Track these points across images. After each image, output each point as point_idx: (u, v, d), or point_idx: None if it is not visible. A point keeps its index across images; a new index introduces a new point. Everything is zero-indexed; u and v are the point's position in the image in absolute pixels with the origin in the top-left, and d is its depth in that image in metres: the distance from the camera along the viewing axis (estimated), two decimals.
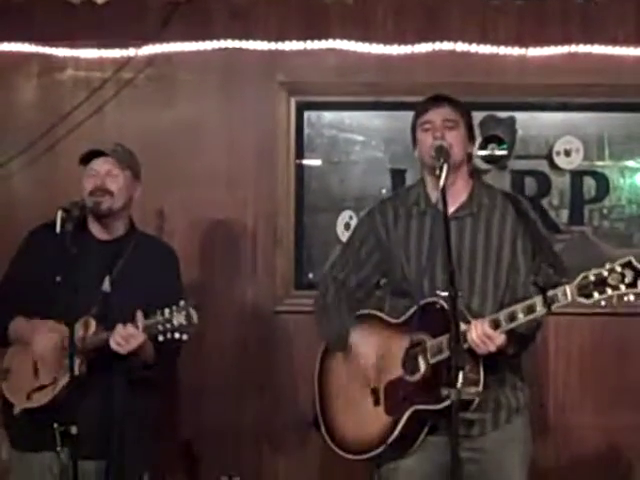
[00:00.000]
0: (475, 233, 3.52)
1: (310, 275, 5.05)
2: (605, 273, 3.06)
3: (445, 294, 3.25)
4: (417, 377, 3.42)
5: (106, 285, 3.67)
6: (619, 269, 3.04)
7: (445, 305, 3.33)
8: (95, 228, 3.83)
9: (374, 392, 3.53)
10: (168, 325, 3.44)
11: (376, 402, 3.51)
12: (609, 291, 3.05)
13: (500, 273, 3.50)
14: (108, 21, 5.05)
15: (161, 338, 3.47)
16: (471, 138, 3.63)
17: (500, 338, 3.26)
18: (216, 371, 5.01)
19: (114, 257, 3.75)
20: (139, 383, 3.73)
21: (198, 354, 4.86)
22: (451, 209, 3.47)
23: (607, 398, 4.97)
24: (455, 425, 3.10)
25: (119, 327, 3.51)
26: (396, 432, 3.43)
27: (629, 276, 3.03)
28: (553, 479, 4.90)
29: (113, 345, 3.52)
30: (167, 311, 3.45)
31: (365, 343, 3.57)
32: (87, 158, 3.79)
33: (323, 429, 3.66)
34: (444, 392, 3.13)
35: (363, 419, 3.53)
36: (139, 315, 3.50)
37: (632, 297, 3.06)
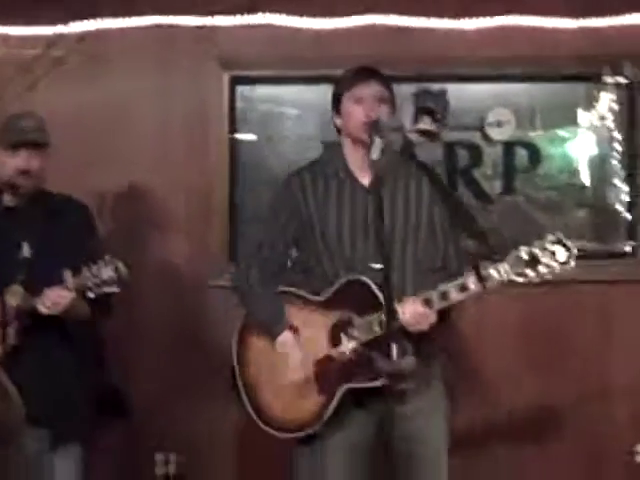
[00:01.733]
0: (394, 202, 3.50)
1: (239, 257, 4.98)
2: (537, 251, 3.10)
3: (379, 266, 3.22)
4: (348, 355, 3.40)
5: (25, 251, 3.65)
6: (550, 247, 3.09)
7: (369, 281, 3.33)
8: (5, 196, 3.80)
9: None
10: (97, 280, 3.46)
11: (306, 380, 3.47)
12: (542, 269, 3.11)
13: (419, 242, 3.50)
14: None
15: (91, 294, 3.47)
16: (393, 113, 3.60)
17: (432, 317, 3.27)
18: (150, 346, 5.03)
19: (28, 222, 3.72)
20: (75, 341, 3.74)
21: (132, 330, 4.92)
22: (367, 180, 3.47)
23: (541, 368, 5.04)
24: (390, 400, 3.15)
25: (46, 290, 3.51)
26: (329, 411, 3.40)
27: (560, 253, 3.08)
28: (488, 441, 4.97)
29: (42, 309, 3.51)
30: (94, 267, 3.46)
31: (294, 347, 3.51)
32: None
33: (249, 407, 3.59)
34: (403, 362, 3.17)
35: (294, 400, 3.49)
36: (67, 274, 3.50)
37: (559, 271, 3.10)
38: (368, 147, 3.36)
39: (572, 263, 3.09)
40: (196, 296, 5.09)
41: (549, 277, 3.11)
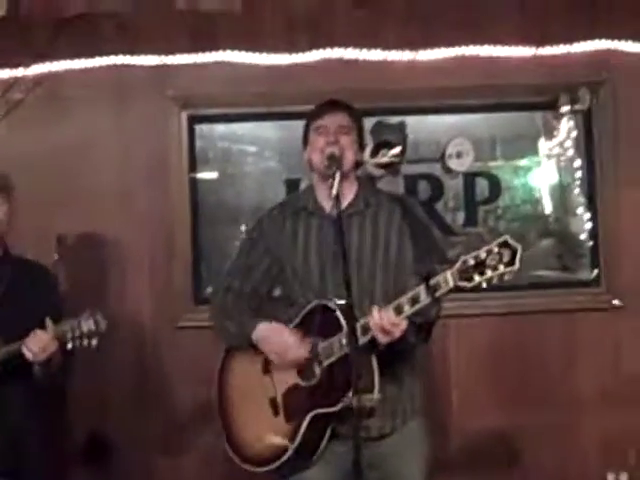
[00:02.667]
0: (362, 233, 3.51)
1: (209, 289, 4.97)
2: (483, 255, 3.06)
3: (342, 302, 3.25)
4: (313, 381, 3.39)
5: None
6: (496, 249, 3.05)
7: (332, 305, 3.34)
8: None
9: (272, 402, 3.49)
10: (77, 332, 3.46)
11: (275, 412, 3.48)
12: (489, 272, 3.05)
13: (388, 272, 3.49)
14: None
15: (70, 345, 3.46)
16: (360, 145, 3.61)
17: (403, 323, 3.23)
18: (117, 390, 4.98)
19: None
20: (39, 395, 3.71)
21: (99, 374, 4.87)
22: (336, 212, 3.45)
23: (506, 396, 5.02)
24: (357, 431, 3.10)
25: (37, 332, 3.48)
26: (298, 439, 3.39)
27: (506, 255, 3.04)
28: (455, 475, 4.90)
29: (28, 353, 3.49)
30: (74, 319, 3.48)
31: (270, 334, 3.50)
32: None
33: (227, 446, 3.60)
34: (344, 400, 3.15)
35: (264, 430, 3.49)
36: (48, 322, 3.48)
37: (509, 276, 3.05)
38: (325, 178, 3.43)
39: (517, 264, 3.03)
40: (163, 338, 5.05)
41: (496, 280, 3.04)
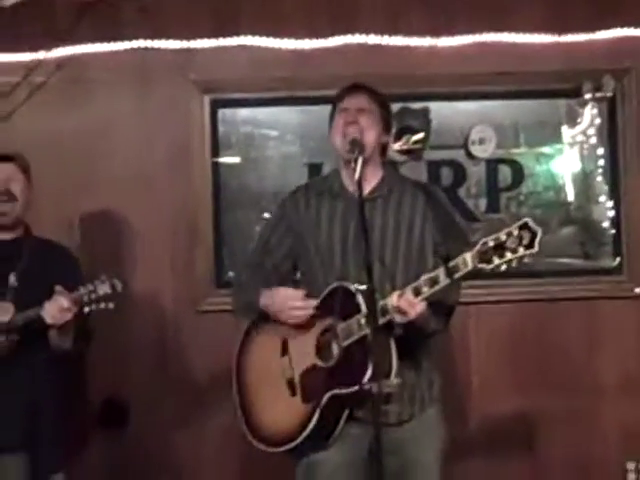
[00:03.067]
0: (386, 216, 3.52)
1: (231, 273, 4.97)
2: (503, 237, 3.05)
3: (363, 287, 3.25)
4: (331, 362, 3.39)
5: (12, 280, 3.67)
6: (516, 232, 3.03)
7: (351, 287, 3.33)
8: None
9: (290, 383, 3.49)
10: (93, 295, 3.49)
11: (293, 393, 3.48)
12: (508, 254, 3.03)
13: (410, 257, 3.50)
14: (16, 24, 4.96)
15: (87, 309, 3.50)
16: (386, 129, 3.61)
17: (421, 305, 3.23)
18: (137, 369, 4.98)
19: (15, 255, 3.77)
20: (57, 363, 3.73)
21: (121, 355, 4.90)
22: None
23: (527, 384, 5.02)
24: (377, 417, 3.12)
25: (55, 297, 3.50)
26: (314, 419, 3.39)
27: (526, 238, 3.02)
28: (475, 459, 4.93)
29: (47, 317, 3.50)
30: (90, 284, 3.50)
31: (276, 292, 3.52)
32: None
33: (243, 425, 3.62)
34: (366, 386, 3.13)
35: (281, 411, 3.50)
36: (60, 288, 3.51)
37: (528, 259, 3.04)
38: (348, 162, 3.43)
39: (536, 246, 3.01)
40: (184, 322, 5.05)
41: (515, 263, 3.02)
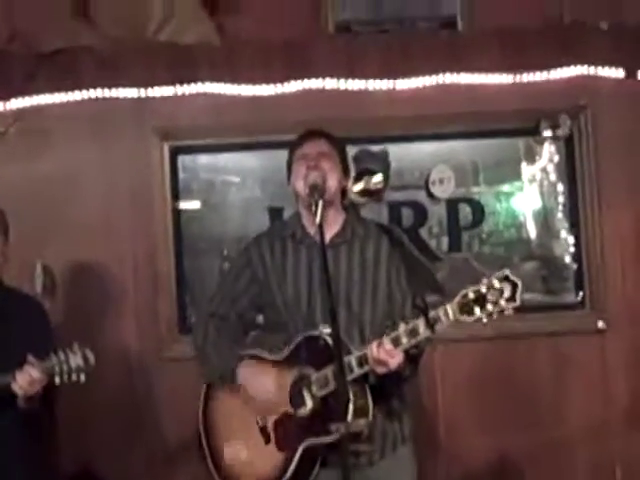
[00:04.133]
0: (351, 262, 3.51)
1: (194, 319, 4.96)
2: (484, 289, 3.05)
3: (328, 331, 3.24)
4: (306, 411, 3.37)
5: None
6: (497, 284, 3.04)
7: (327, 338, 3.31)
8: None
9: (263, 431, 3.46)
10: (65, 367, 3.41)
11: (267, 441, 3.45)
12: (489, 307, 3.05)
13: (377, 301, 3.49)
14: None
15: (58, 380, 3.42)
16: (346, 172, 3.62)
17: (400, 355, 3.21)
18: (103, 421, 4.95)
19: None
20: (26, 426, 3.66)
21: (83, 404, 4.80)
22: (326, 238, 3.44)
23: (494, 420, 5.00)
24: (345, 457, 3.10)
25: (26, 369, 3.43)
26: (291, 468, 3.37)
27: (507, 290, 3.04)
28: None
29: (17, 389, 3.45)
30: (62, 354, 3.41)
31: (254, 377, 3.49)
32: None
33: (215, 475, 3.57)
34: (333, 427, 3.11)
35: (255, 459, 3.47)
36: (32, 359, 3.44)
37: (512, 311, 3.05)
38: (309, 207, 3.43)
39: (518, 299, 3.03)
40: (149, 368, 5.02)
41: (496, 315, 3.04)
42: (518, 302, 3.03)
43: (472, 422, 4.99)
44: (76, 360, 3.41)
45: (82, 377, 3.43)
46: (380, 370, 3.22)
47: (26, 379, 3.43)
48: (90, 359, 3.42)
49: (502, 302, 3.03)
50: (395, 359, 3.20)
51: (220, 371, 3.55)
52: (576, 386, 5.05)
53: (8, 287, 3.90)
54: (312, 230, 3.52)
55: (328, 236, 3.47)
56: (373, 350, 3.21)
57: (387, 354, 3.20)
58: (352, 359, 3.26)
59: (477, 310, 3.06)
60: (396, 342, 3.21)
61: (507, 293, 3.03)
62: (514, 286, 3.03)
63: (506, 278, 3.05)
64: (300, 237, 3.55)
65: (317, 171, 3.46)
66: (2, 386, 3.49)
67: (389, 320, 3.45)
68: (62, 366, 3.41)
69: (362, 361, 3.25)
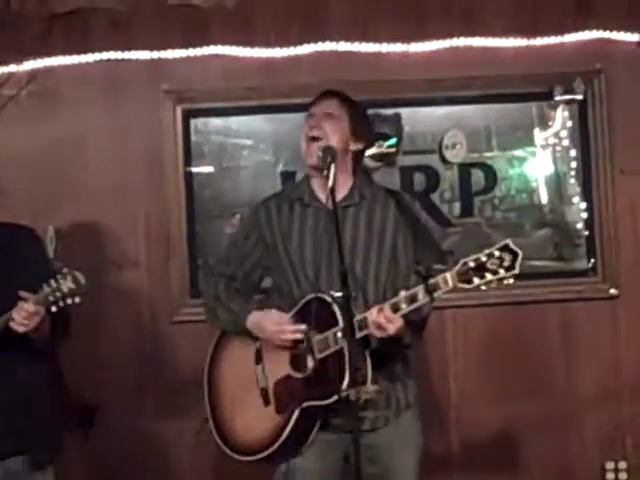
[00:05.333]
0: (356, 226, 3.50)
1: (201, 277, 4.99)
2: (484, 258, 3.05)
3: (339, 294, 3.23)
4: (305, 374, 3.39)
5: None
6: (497, 253, 3.04)
7: (328, 299, 3.32)
8: None
9: (263, 392, 3.49)
10: (58, 293, 3.42)
11: (266, 402, 3.47)
12: (488, 276, 3.04)
13: (381, 267, 3.48)
14: None
15: (54, 308, 3.44)
16: (358, 136, 3.58)
17: (399, 321, 3.22)
18: (114, 384, 4.97)
19: None
20: (40, 359, 3.68)
21: (96, 370, 4.87)
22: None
23: (504, 386, 5.02)
24: (355, 424, 3.14)
25: (19, 306, 3.43)
26: (287, 430, 3.39)
27: (507, 259, 3.03)
28: (454, 468, 4.95)
29: (16, 326, 3.47)
30: (53, 281, 3.42)
31: (264, 317, 3.50)
32: None
33: (215, 434, 3.61)
34: (343, 393, 3.12)
35: (255, 420, 3.49)
36: (24, 293, 3.45)
37: (511, 280, 3.05)
38: (318, 169, 3.42)
39: (517, 268, 3.02)
40: (160, 332, 5.04)
41: (495, 284, 3.04)
42: (517, 271, 3.01)
43: (482, 389, 5.02)
44: (67, 284, 3.42)
45: (76, 299, 3.43)
46: (379, 334, 3.22)
47: (22, 315, 3.45)
48: (80, 280, 3.42)
49: (501, 271, 3.03)
50: (394, 324, 3.20)
51: (231, 322, 3.58)
52: (586, 353, 5.05)
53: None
54: (320, 193, 3.51)
55: (337, 198, 3.43)
56: (373, 314, 3.22)
57: (386, 319, 3.20)
58: (354, 322, 3.25)
59: (476, 279, 3.06)
60: (395, 308, 3.21)
61: (507, 262, 3.02)
62: (514, 255, 3.03)
63: (506, 247, 3.04)
64: (308, 200, 3.55)
65: (318, 130, 3.45)
66: (4, 324, 3.52)
67: (392, 288, 3.45)
68: (55, 293, 3.42)
69: (362, 325, 3.25)
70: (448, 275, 3.11)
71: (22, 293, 3.45)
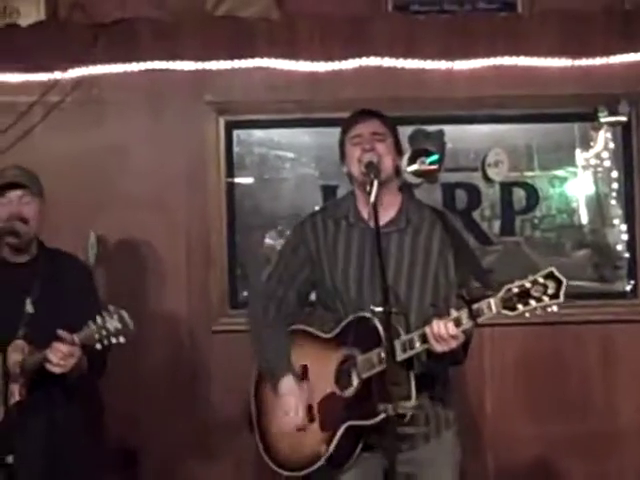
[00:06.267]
0: (401, 249, 3.48)
1: (245, 293, 5.04)
2: (528, 285, 3.05)
3: (379, 309, 3.22)
4: (350, 392, 3.39)
5: (28, 306, 3.62)
6: (541, 280, 3.04)
7: (375, 320, 3.31)
8: (6, 252, 3.78)
9: (309, 409, 3.48)
10: (104, 332, 3.42)
11: (311, 419, 3.46)
12: (532, 303, 3.05)
13: (425, 290, 3.47)
14: (33, 44, 5.00)
15: (99, 346, 3.44)
16: (399, 151, 3.60)
17: (462, 336, 3.21)
18: (152, 393, 4.97)
19: (30, 278, 3.71)
20: (78, 399, 3.69)
21: (135, 377, 4.88)
22: (380, 221, 3.44)
23: (541, 407, 5.00)
24: (392, 439, 3.12)
25: (54, 346, 3.44)
26: (331, 448, 3.39)
27: (551, 287, 3.03)
28: None
29: (51, 368, 3.47)
30: (99, 319, 3.42)
31: (294, 393, 3.49)
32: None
33: (260, 446, 3.60)
34: (380, 407, 3.12)
35: (300, 436, 3.48)
36: (62, 332, 3.45)
37: (555, 307, 3.05)
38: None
39: (561, 297, 3.03)
40: (199, 342, 5.05)
41: (539, 312, 3.04)
42: (562, 299, 3.02)
43: (519, 408, 5.00)
44: (113, 323, 3.42)
45: (122, 339, 3.43)
46: (440, 348, 3.21)
47: (58, 356, 3.44)
48: (127, 320, 3.43)
49: (545, 298, 3.03)
50: (457, 339, 3.20)
51: (266, 370, 3.58)
52: (625, 375, 5.03)
53: (51, 249, 3.91)
54: (366, 214, 3.50)
55: (382, 221, 3.44)
56: (440, 327, 3.20)
57: (449, 333, 3.19)
58: (414, 336, 3.25)
59: (520, 305, 3.06)
60: (457, 322, 3.20)
61: (551, 290, 3.02)
62: (559, 283, 3.03)
63: (551, 275, 3.04)
64: (353, 220, 3.54)
65: (372, 153, 3.44)
66: (39, 363, 3.50)
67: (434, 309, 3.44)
68: (101, 331, 3.43)
69: (424, 339, 3.24)
70: (492, 301, 3.11)
71: (60, 332, 3.44)
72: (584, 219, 5.17)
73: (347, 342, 3.41)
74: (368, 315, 3.34)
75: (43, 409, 3.64)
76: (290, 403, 3.46)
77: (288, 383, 3.49)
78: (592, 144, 5.14)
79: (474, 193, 5.13)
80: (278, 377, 3.50)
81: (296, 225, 3.72)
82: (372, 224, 3.36)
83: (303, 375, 3.52)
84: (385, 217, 3.45)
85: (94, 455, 3.82)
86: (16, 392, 3.49)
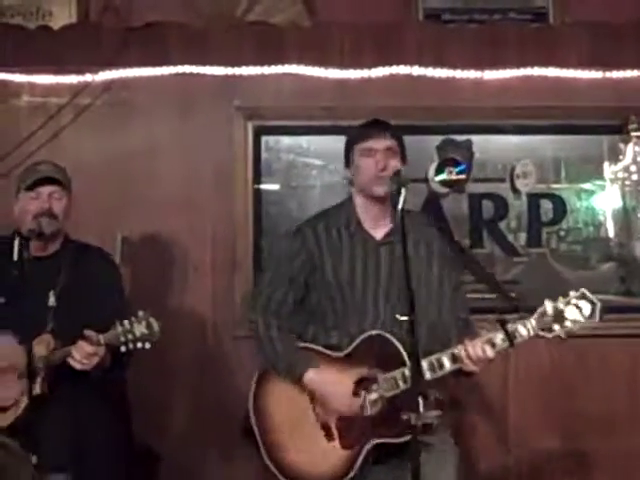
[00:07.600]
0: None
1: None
2: (562, 306, 3.12)
3: (404, 318, 3.21)
4: (373, 411, 3.40)
5: (52, 300, 3.65)
6: (574, 302, 3.10)
7: (390, 337, 3.37)
8: (33, 246, 3.79)
9: (325, 427, 3.49)
10: (130, 336, 3.46)
11: (330, 438, 3.47)
12: (569, 324, 3.13)
13: (430, 301, 3.53)
14: (64, 47, 5.04)
15: (123, 349, 3.47)
16: (404, 161, 3.63)
17: (493, 356, 3.30)
18: (175, 396, 5.00)
19: (55, 271, 3.74)
20: (102, 394, 3.73)
21: (158, 379, 4.88)
22: (379, 235, 3.55)
23: (564, 420, 4.98)
24: (416, 450, 3.10)
25: (79, 345, 3.47)
26: (357, 466, 3.42)
27: (586, 308, 3.08)
28: None
29: (75, 364, 3.49)
30: (127, 322, 3.46)
31: (326, 386, 3.51)
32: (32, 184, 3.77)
33: (272, 466, 3.57)
34: (406, 417, 3.11)
35: (318, 455, 3.49)
36: (88, 332, 3.49)
37: (587, 330, 3.16)
38: (381, 200, 3.50)
39: (597, 317, 3.06)
40: (222, 346, 5.05)
41: (575, 332, 3.06)
42: (597, 319, 3.11)
43: (542, 423, 4.98)
44: (140, 329, 3.45)
45: (147, 345, 3.47)
46: (471, 368, 3.24)
47: (82, 354, 3.47)
48: (154, 327, 3.46)
49: (581, 319, 3.13)
50: (490, 360, 3.26)
51: (285, 373, 3.57)
52: None
53: (75, 241, 3.94)
54: (367, 224, 3.57)
55: (382, 232, 3.55)
56: (476, 349, 3.24)
57: (488, 356, 3.25)
58: (443, 356, 3.27)
59: (556, 327, 3.16)
60: (492, 344, 3.24)
61: (586, 311, 3.06)
62: (592, 304, 3.07)
63: (583, 296, 3.10)
64: (354, 230, 3.59)
65: (386, 172, 3.48)
66: (62, 359, 3.53)
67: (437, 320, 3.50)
68: (127, 335, 3.45)
69: (454, 358, 3.25)
70: (528, 323, 3.20)
71: (86, 332, 3.47)
72: (611, 232, 5.15)
73: (362, 360, 3.44)
74: (384, 334, 3.41)
75: (67, 403, 3.67)
76: (335, 391, 3.46)
77: (315, 374, 3.49)
78: (621, 157, 5.11)
79: (501, 204, 5.12)
80: (300, 373, 3.51)
81: (295, 231, 3.76)
82: (376, 235, 3.50)
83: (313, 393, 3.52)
84: (384, 228, 3.53)
85: (119, 452, 3.83)
86: (38, 386, 3.51)
